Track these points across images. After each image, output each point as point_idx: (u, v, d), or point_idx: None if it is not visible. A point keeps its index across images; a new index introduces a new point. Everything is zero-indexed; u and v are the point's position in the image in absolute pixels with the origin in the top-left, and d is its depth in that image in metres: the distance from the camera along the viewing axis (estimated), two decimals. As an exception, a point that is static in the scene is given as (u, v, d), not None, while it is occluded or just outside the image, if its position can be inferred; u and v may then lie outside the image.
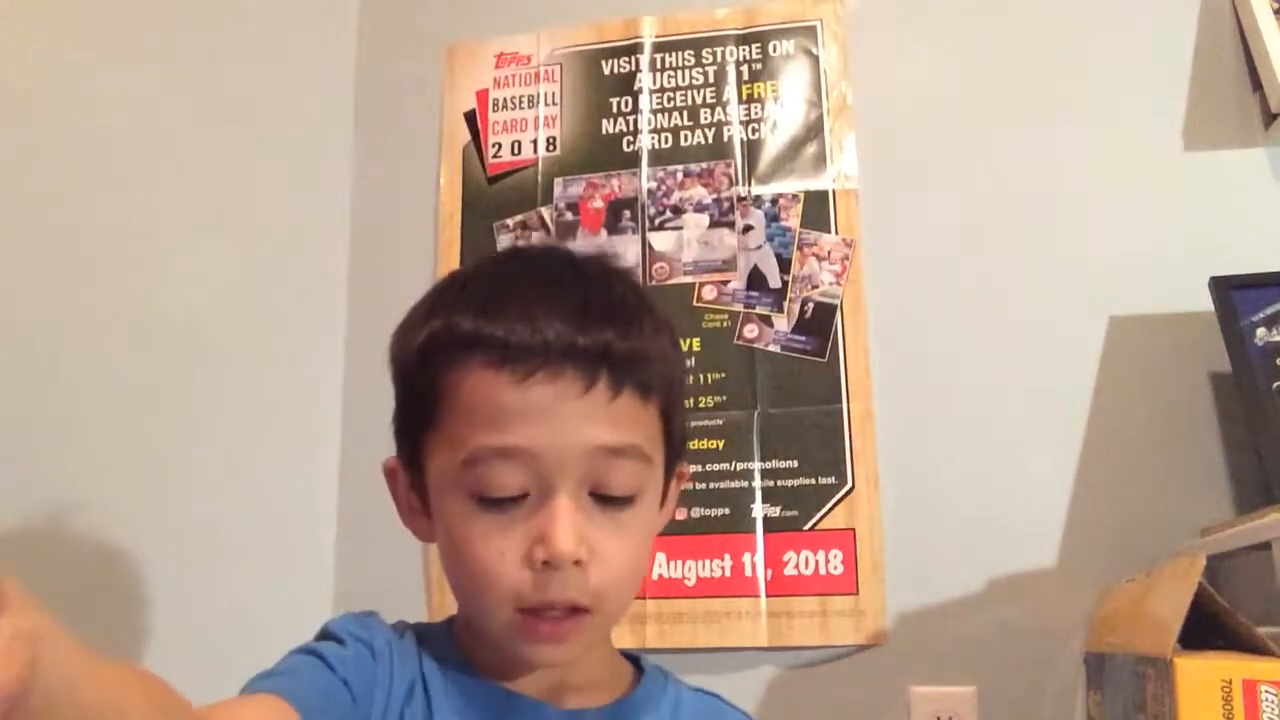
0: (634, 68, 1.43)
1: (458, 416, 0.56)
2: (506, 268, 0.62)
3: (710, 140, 1.38)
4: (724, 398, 1.28)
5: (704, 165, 1.37)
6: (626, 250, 1.35)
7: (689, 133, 1.39)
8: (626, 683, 0.64)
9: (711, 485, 1.25)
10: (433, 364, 0.57)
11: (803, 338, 1.28)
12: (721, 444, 1.27)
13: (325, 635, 0.61)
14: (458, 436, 0.55)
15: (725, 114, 1.39)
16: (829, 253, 1.30)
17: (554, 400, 0.53)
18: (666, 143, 1.39)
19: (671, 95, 1.41)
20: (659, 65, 1.42)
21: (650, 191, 1.37)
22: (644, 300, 0.61)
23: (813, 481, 1.23)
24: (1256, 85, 1.24)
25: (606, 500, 0.56)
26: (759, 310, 1.30)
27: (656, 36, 1.43)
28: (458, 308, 0.57)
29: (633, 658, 0.67)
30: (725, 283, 1.32)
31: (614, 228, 1.36)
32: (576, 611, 0.55)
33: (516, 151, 1.43)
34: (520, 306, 0.55)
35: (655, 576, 1.23)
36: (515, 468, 0.54)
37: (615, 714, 0.61)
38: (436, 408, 0.57)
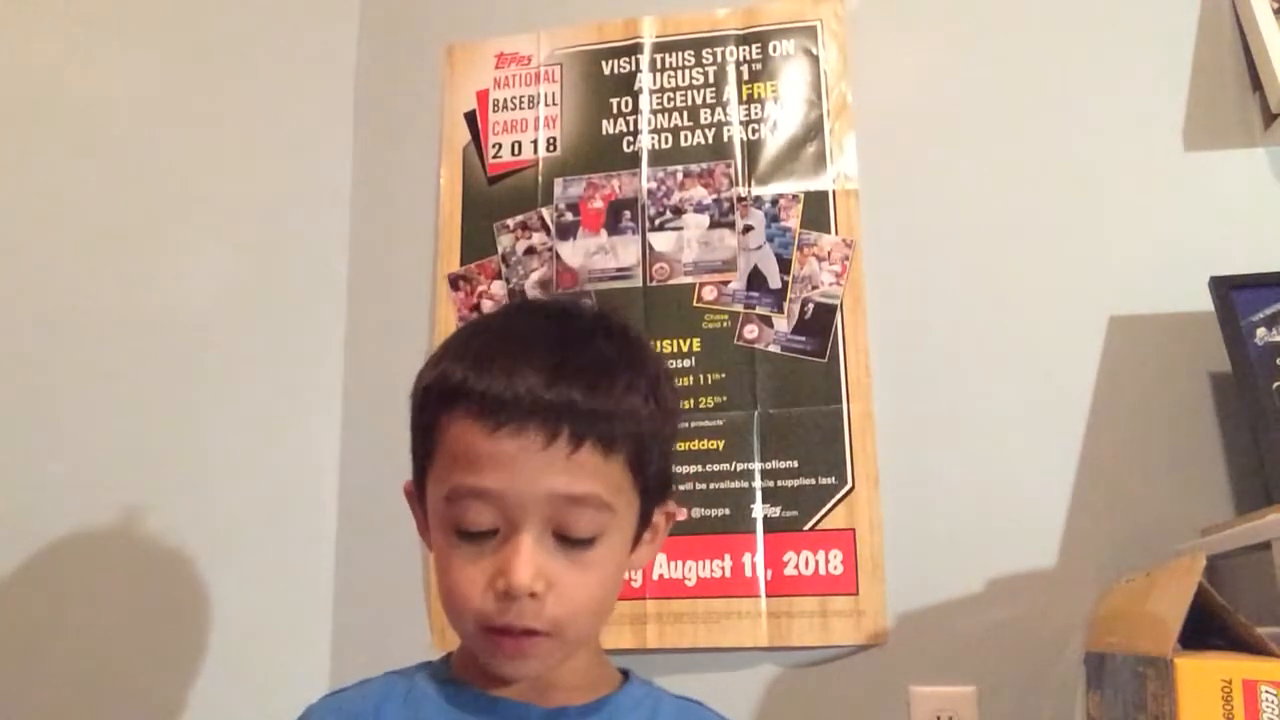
0: (634, 68, 1.43)
1: (444, 457, 0.64)
2: (510, 322, 0.71)
3: (710, 140, 1.38)
4: (724, 398, 1.28)
5: (704, 165, 1.37)
6: (626, 251, 1.35)
7: (689, 133, 1.39)
8: (611, 687, 0.70)
9: (711, 485, 1.25)
10: (430, 408, 0.65)
11: (803, 338, 1.28)
12: (721, 444, 1.27)
13: None
14: (444, 475, 0.63)
15: (725, 114, 1.39)
16: (829, 253, 1.30)
17: (518, 451, 0.60)
18: (666, 143, 1.39)
19: (671, 95, 1.41)
20: (659, 65, 1.42)
21: (650, 192, 1.37)
22: (627, 358, 0.67)
23: (813, 482, 1.23)
24: (1256, 85, 1.24)
25: (569, 541, 0.62)
26: (759, 311, 1.30)
27: (656, 36, 1.43)
28: (457, 358, 0.65)
29: (624, 670, 0.73)
30: (725, 283, 1.32)
31: (614, 228, 1.36)
32: (535, 633, 0.61)
33: (517, 152, 1.43)
34: (504, 362, 0.63)
35: (656, 576, 1.23)
36: (486, 506, 0.61)
37: (595, 710, 0.67)
38: (433, 447, 0.65)
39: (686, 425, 1.26)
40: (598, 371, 0.64)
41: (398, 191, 1.47)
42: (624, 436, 0.63)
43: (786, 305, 1.30)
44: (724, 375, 1.29)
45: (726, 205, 1.35)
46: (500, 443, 0.60)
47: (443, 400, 0.64)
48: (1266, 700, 0.71)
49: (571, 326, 0.68)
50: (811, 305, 1.29)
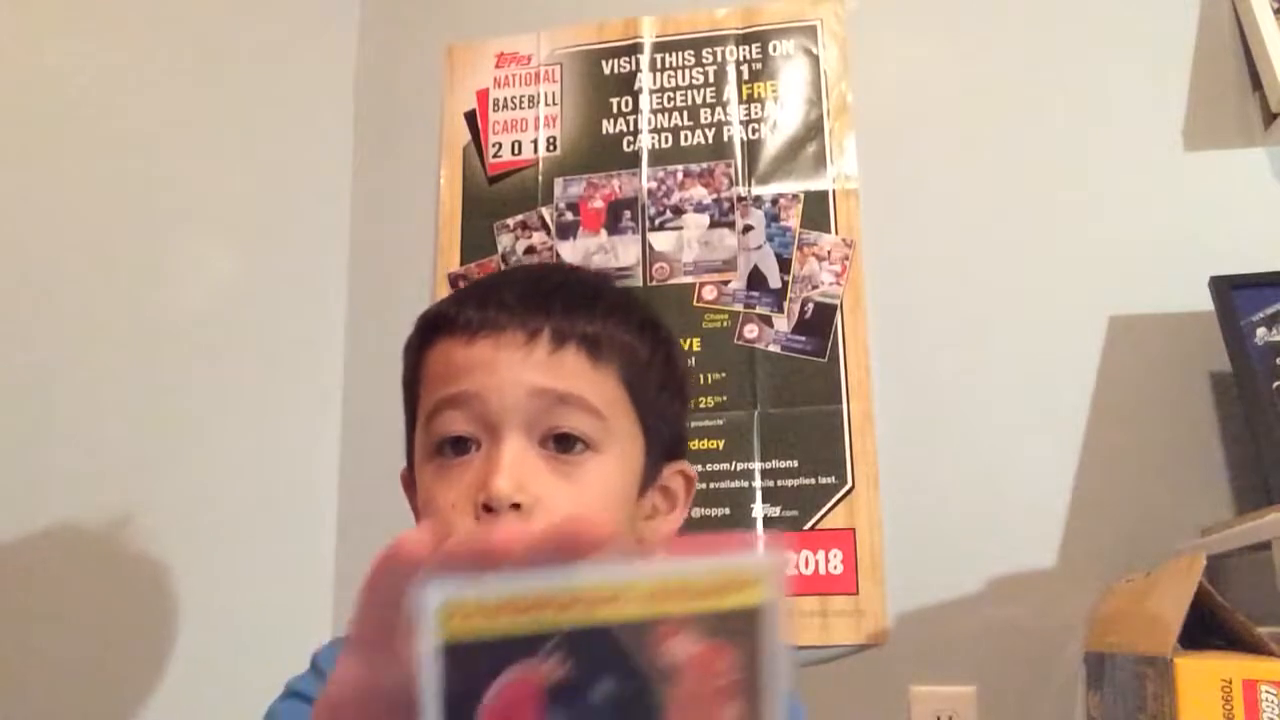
0: (634, 68, 1.43)
1: (427, 388, 0.60)
2: (495, 274, 0.68)
3: (710, 140, 1.38)
4: (724, 398, 1.28)
5: (704, 165, 1.37)
6: (626, 250, 1.35)
7: (689, 133, 1.39)
8: None
9: (711, 485, 1.25)
10: (413, 352, 0.63)
11: (803, 338, 1.28)
12: (721, 444, 1.27)
13: (313, 667, 0.62)
14: (426, 404, 0.60)
15: (725, 114, 1.39)
16: (829, 253, 1.30)
17: (495, 352, 0.57)
18: (666, 143, 1.39)
19: (671, 95, 1.41)
20: (659, 65, 1.42)
21: (650, 191, 1.37)
22: (617, 292, 0.65)
23: (813, 481, 1.23)
24: (1256, 85, 1.24)
25: (558, 447, 0.57)
26: (759, 310, 1.30)
27: (656, 36, 1.43)
28: (435, 306, 0.64)
29: None
30: (725, 283, 1.32)
31: (614, 228, 1.36)
32: None
33: (517, 151, 1.43)
34: (482, 294, 0.61)
35: (655, 576, 1.23)
36: (463, 413, 0.57)
37: None
38: (418, 389, 0.62)
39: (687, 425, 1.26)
40: (582, 292, 0.62)
41: (398, 191, 1.47)
42: (612, 346, 0.60)
43: (786, 305, 1.30)
44: (724, 375, 1.29)
45: (726, 205, 1.35)
46: (477, 348, 0.58)
47: (424, 337, 0.62)
48: (1266, 700, 0.71)
49: (562, 267, 0.66)
50: (811, 305, 1.29)
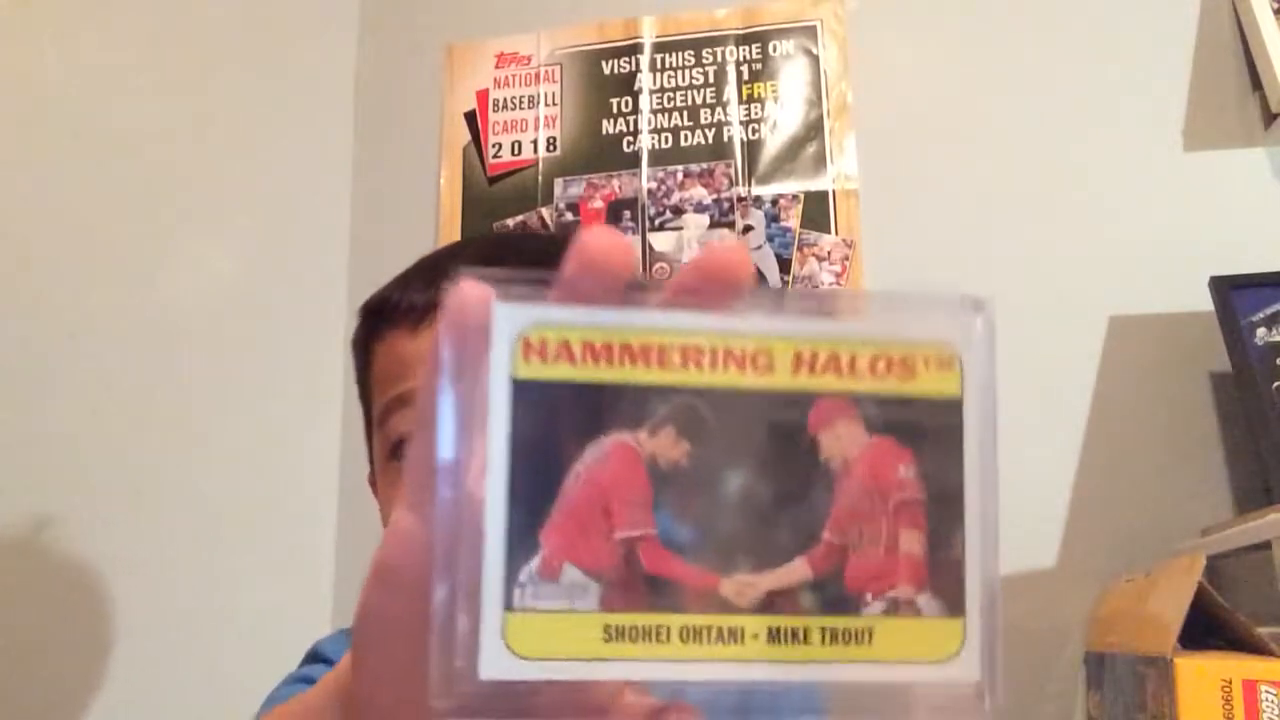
0: (634, 68, 1.42)
1: (377, 387, 0.56)
2: (444, 248, 0.62)
3: (710, 140, 1.38)
4: (724, 398, 1.28)
5: (704, 165, 1.37)
6: (626, 250, 1.35)
7: (689, 133, 1.39)
8: None
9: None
10: (360, 351, 0.58)
11: (803, 338, 1.28)
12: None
13: (314, 658, 0.60)
14: (378, 405, 0.55)
15: (725, 114, 1.39)
16: (829, 253, 1.30)
17: None
18: (666, 143, 1.39)
19: (671, 95, 1.41)
20: (659, 65, 1.42)
21: (650, 192, 1.37)
22: None
23: (813, 481, 1.23)
24: (1256, 85, 1.24)
25: None
26: (759, 310, 1.30)
27: (656, 36, 1.43)
28: (379, 291, 0.58)
29: None
30: (725, 283, 1.32)
31: (614, 228, 1.36)
32: None
33: (517, 152, 1.43)
34: (428, 269, 0.56)
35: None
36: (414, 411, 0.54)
37: None
38: (369, 392, 0.57)
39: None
40: (539, 257, 0.57)
41: (398, 191, 1.47)
42: None
43: (786, 305, 1.29)
44: (724, 375, 1.29)
45: (726, 205, 1.35)
46: (424, 337, 0.53)
47: (369, 329, 0.57)
48: (1266, 700, 0.71)
49: (510, 236, 0.58)
50: (811, 305, 1.29)
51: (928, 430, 0.23)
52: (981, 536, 0.23)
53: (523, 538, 0.22)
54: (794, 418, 0.23)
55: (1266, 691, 0.71)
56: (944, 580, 0.23)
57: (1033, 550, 1.16)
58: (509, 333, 0.22)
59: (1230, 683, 0.73)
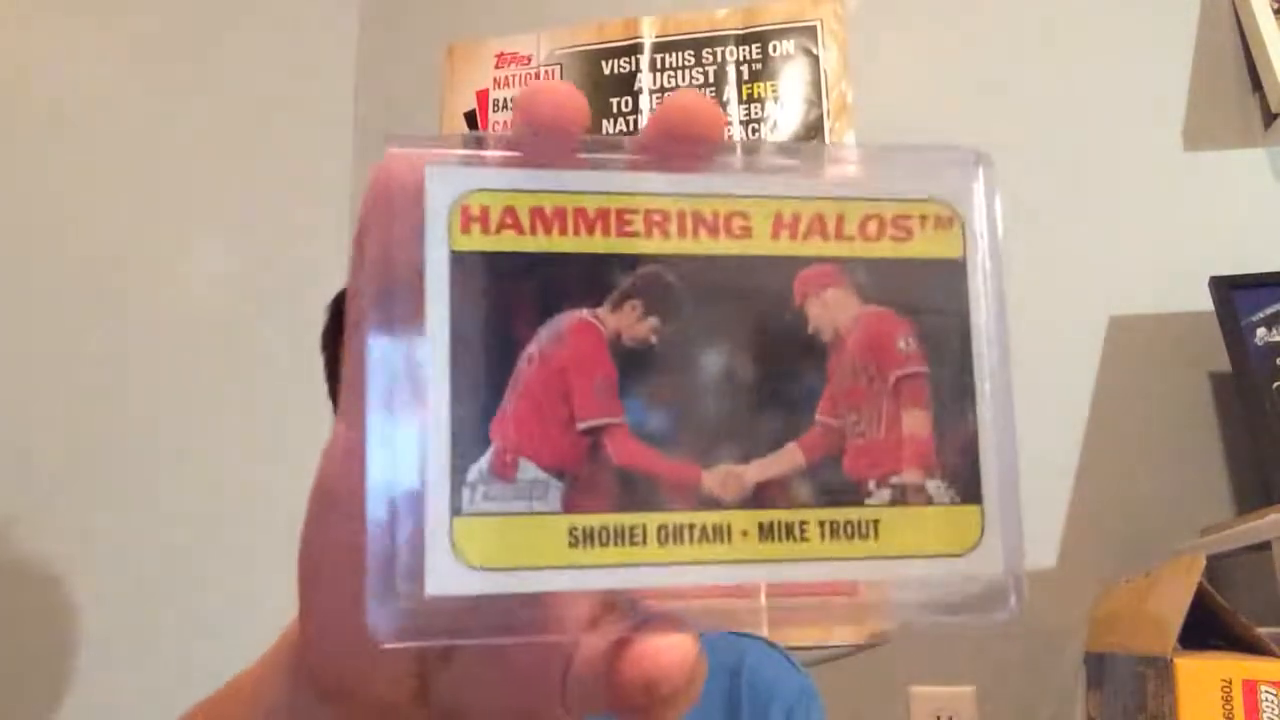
0: (634, 68, 1.42)
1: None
2: None
3: (710, 140, 1.38)
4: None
5: (704, 165, 1.37)
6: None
7: (689, 133, 1.39)
8: None
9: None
10: (331, 346, 0.56)
11: (803, 338, 1.28)
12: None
13: None
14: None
15: (725, 114, 1.38)
16: (829, 253, 1.30)
17: None
18: (666, 143, 1.39)
19: (671, 95, 1.41)
20: (659, 65, 1.42)
21: (650, 191, 1.37)
22: None
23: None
24: (1256, 85, 1.24)
25: None
26: (759, 310, 1.30)
27: (656, 36, 1.43)
28: (340, 292, 0.55)
29: None
30: (725, 283, 1.32)
31: (614, 228, 1.36)
32: None
33: (516, 151, 1.43)
34: None
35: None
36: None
37: None
38: (337, 393, 0.54)
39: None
40: None
41: (398, 191, 1.47)
42: None
43: (786, 305, 1.30)
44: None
45: (726, 205, 1.34)
46: None
47: (340, 325, 0.54)
48: (1266, 700, 0.71)
49: None
50: (811, 305, 1.29)
51: (928, 297, 0.20)
52: (995, 412, 0.20)
53: (470, 432, 0.19)
54: (776, 287, 0.20)
55: (1266, 691, 0.72)
56: (956, 463, 0.20)
57: (1033, 550, 1.16)
58: (444, 200, 0.19)
59: (1230, 683, 0.73)
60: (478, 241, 0.19)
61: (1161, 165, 1.25)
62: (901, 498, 0.20)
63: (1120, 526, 1.15)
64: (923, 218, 0.21)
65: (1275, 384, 1.04)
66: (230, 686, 0.32)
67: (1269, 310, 1.07)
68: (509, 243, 0.19)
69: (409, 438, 0.19)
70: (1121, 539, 1.14)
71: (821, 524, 0.20)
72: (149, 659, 1.04)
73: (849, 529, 0.20)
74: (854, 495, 0.20)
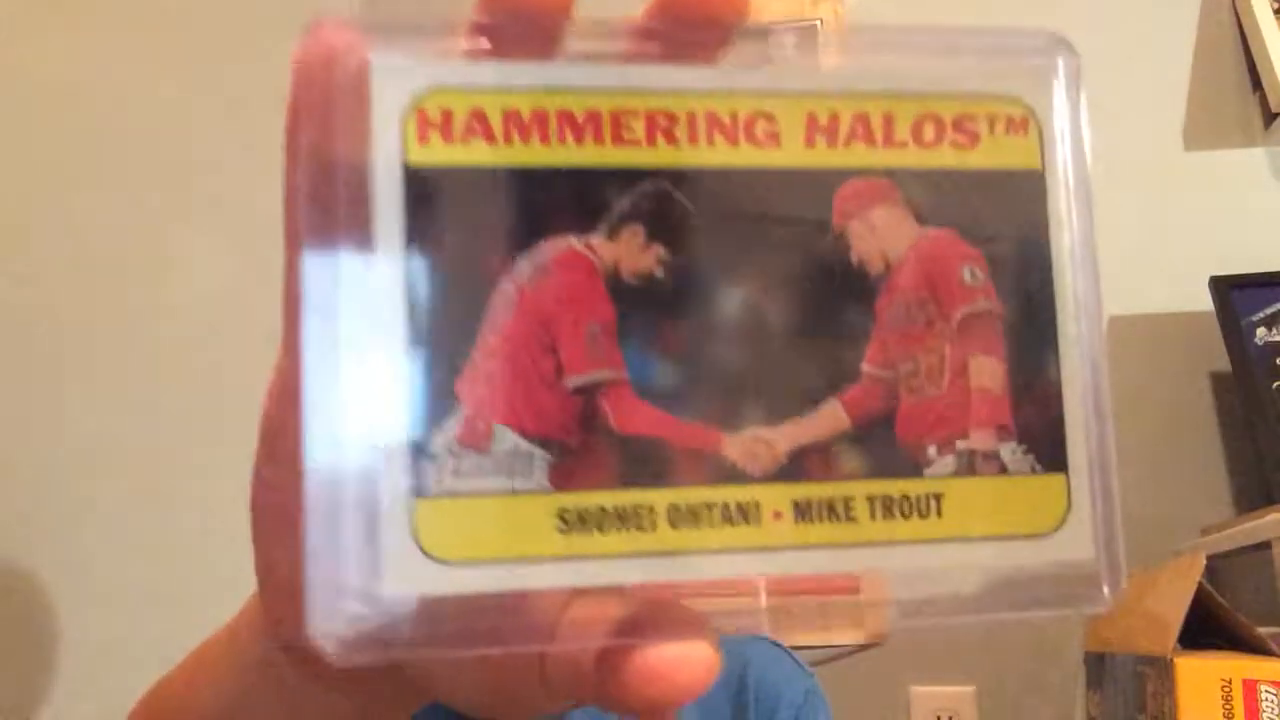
0: (634, 68, 1.42)
1: None
2: None
3: (710, 140, 1.38)
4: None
5: (704, 165, 1.37)
6: (626, 250, 1.35)
7: (689, 133, 1.39)
8: None
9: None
10: None
11: (803, 338, 1.28)
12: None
13: None
14: None
15: None
16: (829, 253, 1.30)
17: None
18: (666, 143, 1.39)
19: (671, 95, 1.41)
20: (659, 65, 1.42)
21: (650, 191, 1.37)
22: None
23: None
24: (1256, 85, 1.24)
25: None
26: (759, 310, 1.30)
27: (656, 36, 1.43)
28: None
29: None
30: (725, 283, 1.32)
31: (614, 228, 1.36)
32: None
33: (516, 151, 1.43)
34: None
35: (655, 576, 1.23)
36: None
37: None
38: None
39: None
40: None
41: (398, 191, 1.47)
42: None
43: (786, 305, 1.29)
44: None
45: (726, 205, 1.34)
46: None
47: None
48: (1266, 700, 0.71)
49: None
50: (811, 305, 1.29)
51: (999, 217, 0.16)
52: (1084, 358, 0.16)
53: (433, 392, 0.15)
54: (811, 206, 0.16)
55: (1266, 691, 0.71)
56: (1035, 423, 0.17)
57: (1033, 550, 1.16)
58: (395, 102, 0.16)
59: (1230, 683, 0.72)
60: (439, 153, 0.16)
61: (1161, 165, 1.25)
62: (969, 466, 0.17)
63: (1120, 526, 1.15)
64: (991, 119, 0.17)
65: (1275, 384, 1.04)
66: (195, 653, 0.31)
67: (1269, 310, 1.07)
68: (478, 154, 0.16)
69: (358, 391, 0.15)
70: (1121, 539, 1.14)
71: (871, 500, 0.16)
72: (149, 659, 1.04)
73: (905, 505, 0.17)
74: (910, 464, 0.17)
